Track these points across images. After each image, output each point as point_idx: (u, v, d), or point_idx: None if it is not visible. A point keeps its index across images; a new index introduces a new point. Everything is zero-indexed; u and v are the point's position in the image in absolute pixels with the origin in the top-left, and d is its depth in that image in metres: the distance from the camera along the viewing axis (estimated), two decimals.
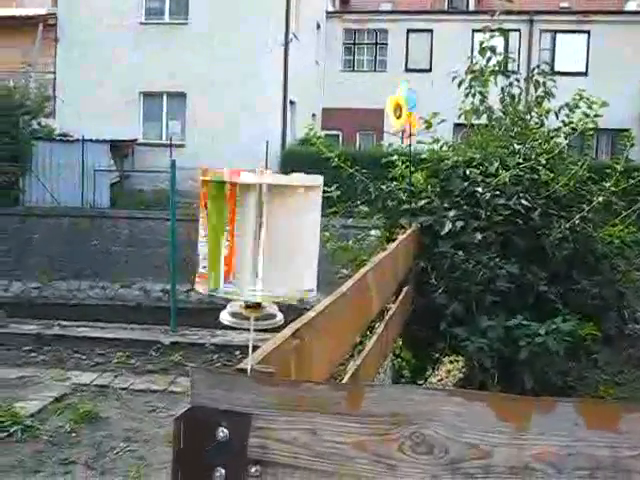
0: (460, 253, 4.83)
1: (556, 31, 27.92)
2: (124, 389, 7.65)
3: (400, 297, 4.34)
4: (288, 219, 1.29)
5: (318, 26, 27.74)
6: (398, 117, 4.74)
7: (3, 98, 18.86)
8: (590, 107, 5.82)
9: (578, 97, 6.34)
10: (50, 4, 22.57)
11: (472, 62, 7.23)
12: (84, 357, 8.83)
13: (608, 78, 23.47)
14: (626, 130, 8.39)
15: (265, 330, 1.41)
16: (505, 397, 1.31)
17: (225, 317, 1.38)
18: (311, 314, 1.94)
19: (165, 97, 21.46)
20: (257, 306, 1.35)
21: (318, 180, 1.35)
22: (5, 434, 6.30)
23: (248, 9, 20.32)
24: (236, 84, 20.37)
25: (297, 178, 1.32)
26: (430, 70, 27.38)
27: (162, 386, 7.83)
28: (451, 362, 3.96)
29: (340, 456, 1.30)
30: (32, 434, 6.37)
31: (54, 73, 21.38)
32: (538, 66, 9.18)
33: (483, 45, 6.74)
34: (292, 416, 1.31)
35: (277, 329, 1.51)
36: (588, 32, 27.38)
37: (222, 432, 1.34)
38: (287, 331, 1.73)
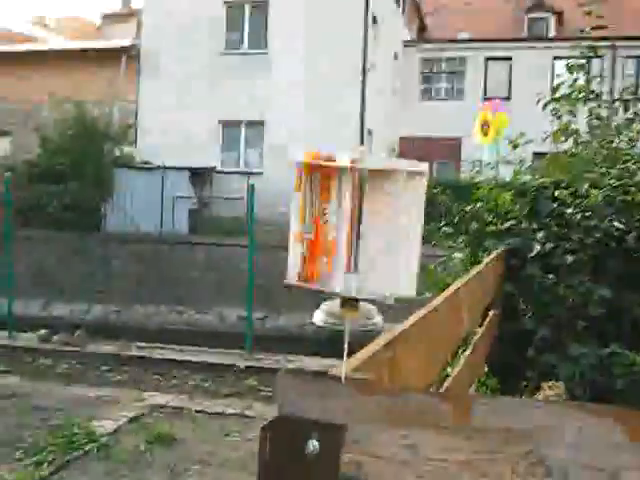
0: (550, 276, 4.61)
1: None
2: (199, 411, 7.61)
3: (487, 321, 4.14)
4: (387, 209, 1.16)
5: (396, 56, 27.76)
6: (485, 135, 4.59)
7: (88, 127, 19.48)
8: None
9: None
10: (134, 36, 23.33)
11: (556, 84, 7.02)
12: (161, 379, 8.86)
13: None
14: None
15: (363, 332, 1.29)
16: (638, 414, 1.14)
17: (319, 317, 1.26)
18: (403, 327, 1.80)
19: (244, 125, 21.75)
20: (354, 307, 1.23)
21: (423, 166, 1.22)
22: (81, 452, 6.32)
23: (326, 39, 20.49)
24: (313, 113, 20.48)
25: (400, 162, 1.19)
26: (509, 98, 26.94)
27: (237, 410, 7.76)
28: (550, 387, 3.74)
29: (444, 476, 1.16)
30: (107, 453, 6.37)
31: (136, 103, 21.98)
32: (626, 88, 8.87)
33: (570, 64, 6.52)
34: (392, 429, 1.18)
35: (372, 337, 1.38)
36: None
37: (312, 445, 1.21)
38: (380, 341, 1.59)
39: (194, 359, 9.44)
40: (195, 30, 21.20)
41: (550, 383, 3.82)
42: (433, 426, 1.16)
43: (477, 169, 6.26)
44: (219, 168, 21.48)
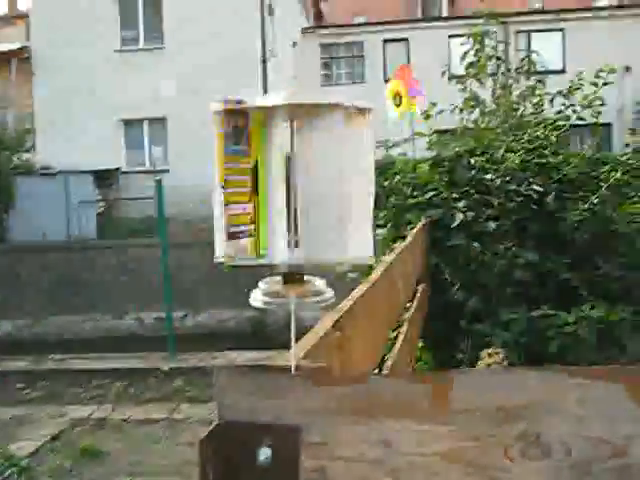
0: (475, 244, 4.52)
1: (530, 31, 27.86)
2: (125, 420, 7.27)
3: (417, 296, 4.01)
4: (329, 157, 0.96)
5: (294, 44, 27.57)
6: (398, 105, 4.45)
7: None
8: (597, 80, 5.56)
9: (577, 79, 6.09)
10: (24, 39, 22.32)
11: (463, 53, 7.00)
12: (80, 390, 8.43)
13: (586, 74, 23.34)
14: (607, 125, 8.11)
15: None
16: None
17: (258, 298, 1.05)
18: (347, 304, 1.60)
19: (146, 123, 21.15)
20: (299, 282, 1.03)
21: (368, 103, 1.03)
22: (0, 478, 5.92)
23: (223, 29, 20.11)
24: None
25: (338, 98, 0.99)
26: None
27: (164, 415, 7.46)
28: (490, 355, 3.65)
29: (426, 471, 0.98)
30: (29, 475, 5.99)
31: (32, 107, 21.05)
32: (528, 56, 8.97)
33: (473, 32, 6.49)
34: (357, 424, 0.99)
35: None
36: (562, 30, 27.34)
37: (264, 453, 1.00)
38: (327, 321, 1.39)
39: (114, 366, 9.03)
40: (88, 29, 20.42)
41: (490, 350, 3.73)
42: (407, 415, 0.97)
43: (391, 144, 6.13)
44: (124, 168, 20.84)
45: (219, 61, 20.11)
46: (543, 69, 8.57)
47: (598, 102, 5.42)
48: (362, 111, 1.00)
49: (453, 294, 4.49)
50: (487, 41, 6.55)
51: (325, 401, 1.00)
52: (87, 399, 8.15)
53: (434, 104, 5.73)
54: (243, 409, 1.03)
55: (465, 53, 6.53)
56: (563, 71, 26.29)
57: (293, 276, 1.01)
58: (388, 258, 2.57)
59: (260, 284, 1.05)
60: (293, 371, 1.04)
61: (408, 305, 3.60)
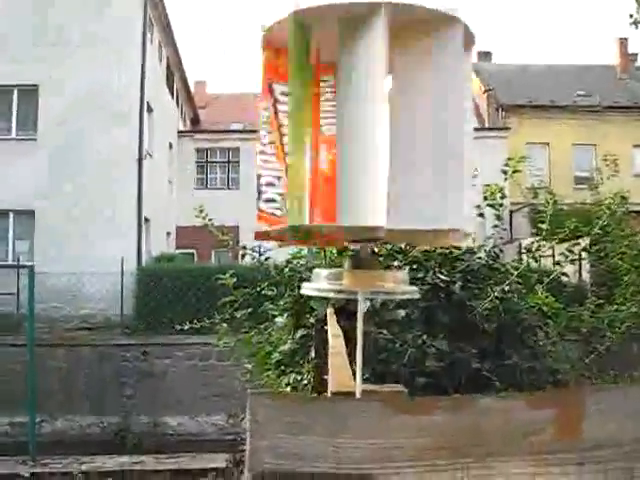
0: (384, 332, 4.37)
1: None
2: None
3: None
4: (430, 86, 0.76)
5: (171, 145, 27.60)
6: None
7: None
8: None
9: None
10: None
11: None
12: None
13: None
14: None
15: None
16: None
17: (318, 285, 0.81)
18: None
19: (12, 215, 20.19)
20: (373, 263, 0.80)
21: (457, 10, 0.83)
22: None
23: (98, 124, 19.83)
24: (88, 201, 19.57)
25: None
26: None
27: None
28: None
29: None
30: None
31: None
32: None
33: None
34: (451, 461, 0.74)
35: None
36: None
37: None
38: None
39: None
40: None
41: None
42: (523, 451, 0.75)
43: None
44: None
45: (93, 158, 19.71)
46: None
47: (499, 194, 5.55)
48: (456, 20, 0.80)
49: (362, 384, 4.29)
50: None
51: (410, 435, 0.75)
52: None
53: None
54: (290, 454, 0.75)
55: None
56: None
57: (366, 258, 0.79)
58: None
59: (317, 269, 0.82)
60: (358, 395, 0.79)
61: None
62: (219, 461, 8.29)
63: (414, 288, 0.85)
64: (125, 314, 18.91)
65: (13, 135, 20.47)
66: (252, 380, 5.31)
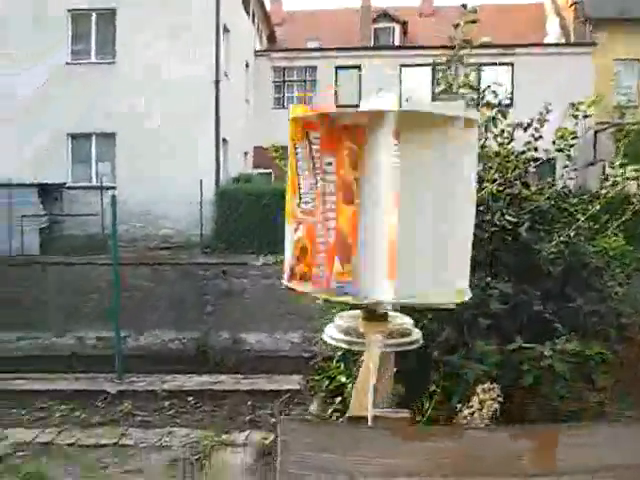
0: None
1: (480, 64, 28.36)
2: (71, 445, 6.97)
3: None
4: (439, 174, 0.86)
5: (247, 65, 27.56)
6: None
7: None
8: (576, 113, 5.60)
9: (545, 110, 6.12)
10: None
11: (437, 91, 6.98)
12: (23, 412, 8.07)
13: (532, 110, 23.80)
14: (551, 160, 8.21)
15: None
16: None
17: (333, 334, 0.93)
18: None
19: (94, 138, 20.76)
20: (382, 318, 0.91)
21: (474, 113, 0.93)
22: None
23: (177, 48, 19.95)
24: (167, 123, 19.91)
25: (450, 106, 0.89)
26: (358, 106, 27.25)
27: (112, 439, 7.17)
28: (485, 391, 3.56)
29: None
30: None
31: None
32: (489, 86, 9.03)
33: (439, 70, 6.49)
34: None
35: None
36: (512, 64, 27.93)
37: None
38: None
39: (60, 387, 8.68)
40: (40, 39, 19.99)
41: (485, 386, 3.64)
42: (513, 474, 0.86)
43: None
44: (70, 183, 20.37)
45: (171, 79, 19.93)
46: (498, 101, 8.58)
47: (571, 136, 5.45)
48: (472, 122, 0.90)
49: (425, 324, 4.41)
50: (452, 72, 6.54)
51: (414, 458, 0.87)
52: (30, 422, 7.81)
53: None
54: (313, 467, 0.88)
55: (438, 79, 6.49)
56: (511, 105, 26.91)
57: (377, 312, 0.90)
58: None
59: (336, 319, 0.94)
60: (369, 422, 0.91)
61: None
62: (293, 383, 8.68)
63: (418, 334, 0.96)
64: (204, 234, 19.38)
65: (93, 59, 20.82)
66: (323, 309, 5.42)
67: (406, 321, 0.94)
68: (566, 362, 4.01)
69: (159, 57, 19.89)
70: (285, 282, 0.94)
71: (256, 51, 29.47)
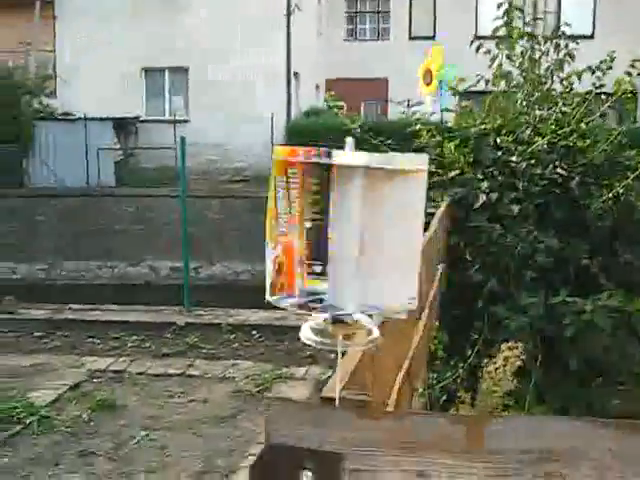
0: (497, 226, 4.56)
1: None
2: (141, 374, 7.43)
3: (436, 277, 4.07)
4: (392, 211, 1.02)
5: None
6: (428, 84, 4.46)
7: (3, 79, 18.52)
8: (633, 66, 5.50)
9: (609, 59, 6.01)
10: None
11: (494, 28, 6.87)
12: (98, 342, 8.59)
13: (616, 41, 22.88)
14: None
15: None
16: None
17: (306, 334, 1.11)
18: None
19: (167, 72, 21.07)
20: (348, 323, 1.09)
21: (425, 160, 1.08)
22: (21, 426, 6.09)
23: None
24: (238, 57, 20.01)
25: (405, 160, 1.05)
26: (433, 37, 26.73)
27: (179, 369, 7.61)
28: (510, 349, 3.71)
29: None
30: (49, 425, 6.15)
31: (54, 51, 20.96)
32: (559, 27, 8.82)
33: (511, 5, 6.38)
34: (395, 455, 1.06)
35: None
36: None
37: (306, 476, 1.08)
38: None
39: (132, 319, 9.17)
40: None
41: (509, 344, 3.79)
42: (444, 451, 1.04)
43: (414, 111, 6.06)
44: (144, 117, 20.83)
45: (243, 12, 19.92)
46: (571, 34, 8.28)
47: (629, 88, 5.37)
48: (422, 171, 1.06)
49: (472, 275, 4.55)
50: (516, 13, 6.41)
51: (367, 433, 1.06)
52: (104, 351, 8.32)
53: (462, 79, 5.68)
54: (291, 436, 1.10)
55: (496, 28, 6.39)
56: (592, 36, 25.87)
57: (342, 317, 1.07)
58: None
59: (310, 321, 1.11)
60: (337, 403, 1.10)
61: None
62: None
63: (377, 332, 1.13)
64: None
65: None
66: None
67: (367, 322, 1.12)
68: (608, 317, 4.09)
69: None
70: (267, 298, 1.12)
71: None
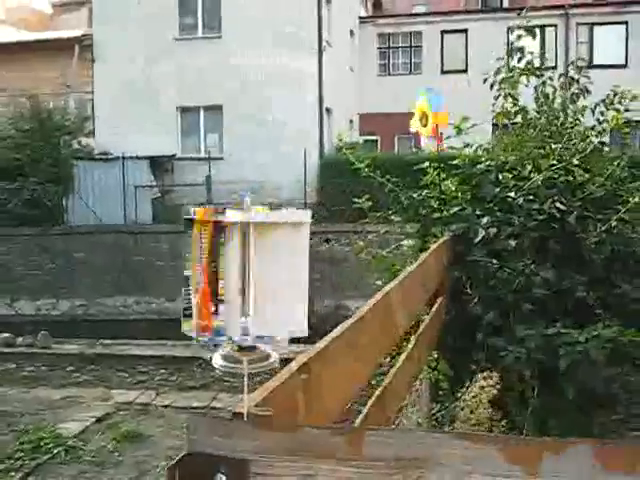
0: (494, 261, 4.72)
1: (593, 24, 27.35)
2: (166, 406, 7.68)
3: (434, 308, 4.24)
4: (275, 257, 1.25)
5: (352, 32, 27.69)
6: (424, 125, 4.67)
7: (44, 120, 19.23)
8: (620, 102, 5.66)
9: (612, 93, 6.15)
10: (86, 25, 22.99)
11: (504, 64, 7.04)
12: (127, 375, 8.88)
13: None
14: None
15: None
16: (515, 439, 1.24)
17: (217, 361, 1.34)
18: (322, 344, 1.88)
19: (202, 111, 21.61)
20: (251, 349, 1.31)
21: (307, 216, 1.30)
22: (48, 456, 6.36)
23: (280, 19, 20.40)
24: (271, 94, 20.45)
25: (285, 215, 1.27)
26: (466, 71, 26.99)
27: (204, 402, 7.84)
28: (484, 378, 3.85)
29: None
30: (75, 455, 6.42)
31: (92, 93, 21.70)
32: (572, 62, 8.95)
33: (512, 46, 6.58)
34: (290, 461, 1.26)
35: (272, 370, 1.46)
36: (626, 22, 26.79)
37: (220, 479, 1.30)
38: (293, 365, 1.67)
39: (160, 353, 9.46)
40: (148, 16, 20.92)
41: (485, 374, 3.93)
42: (329, 458, 1.24)
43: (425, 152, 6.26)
44: (179, 155, 21.35)
45: (275, 50, 20.39)
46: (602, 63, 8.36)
47: (625, 127, 5.51)
48: (299, 224, 1.28)
49: (472, 307, 4.70)
50: (521, 54, 6.59)
51: (267, 442, 1.28)
52: (132, 384, 8.60)
53: (466, 118, 5.85)
54: (206, 444, 1.32)
55: (498, 69, 6.55)
56: (625, 66, 25.90)
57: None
58: (387, 287, 2.81)
59: (220, 349, 1.33)
60: (245, 417, 1.32)
61: (422, 319, 3.84)
62: None
63: (276, 356, 1.34)
64: (308, 202, 19.88)
65: (199, 34, 21.55)
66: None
67: (266, 348, 1.34)
68: (602, 348, 4.20)
69: (262, 28, 20.36)
70: (194, 337, 1.35)
71: (361, 17, 29.53)
